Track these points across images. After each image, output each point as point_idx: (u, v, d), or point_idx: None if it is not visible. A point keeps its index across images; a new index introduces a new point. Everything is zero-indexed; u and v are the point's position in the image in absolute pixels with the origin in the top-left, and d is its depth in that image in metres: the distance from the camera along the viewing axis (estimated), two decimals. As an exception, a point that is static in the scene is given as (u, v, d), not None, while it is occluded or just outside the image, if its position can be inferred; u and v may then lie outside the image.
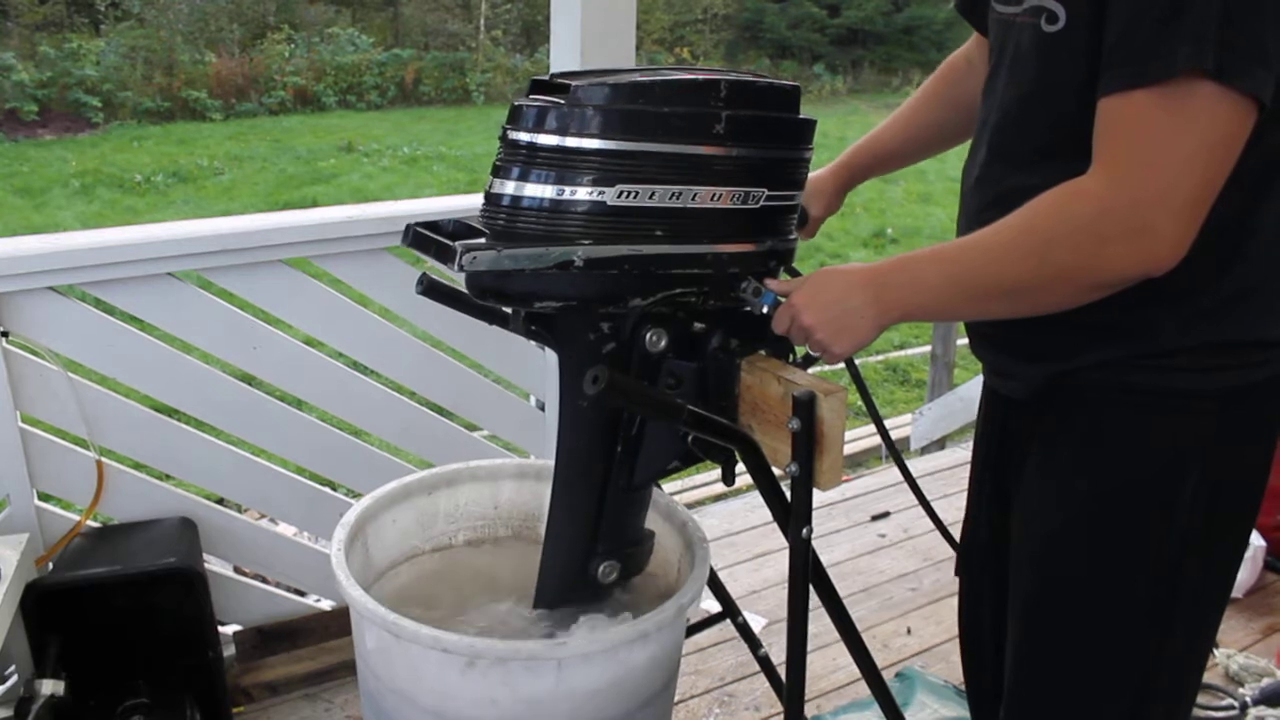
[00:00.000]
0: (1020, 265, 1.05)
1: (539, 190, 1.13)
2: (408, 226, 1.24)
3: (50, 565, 1.90)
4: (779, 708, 1.75)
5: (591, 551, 1.38)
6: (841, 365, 1.34)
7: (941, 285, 1.10)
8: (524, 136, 1.14)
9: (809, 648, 1.31)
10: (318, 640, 2.24)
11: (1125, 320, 1.10)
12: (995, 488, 1.35)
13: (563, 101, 1.12)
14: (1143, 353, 1.11)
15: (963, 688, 2.20)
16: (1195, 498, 1.12)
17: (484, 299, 1.16)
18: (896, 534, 2.94)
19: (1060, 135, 1.08)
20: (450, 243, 1.12)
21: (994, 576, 1.35)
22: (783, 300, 1.21)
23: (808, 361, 1.32)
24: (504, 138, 1.16)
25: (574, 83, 1.12)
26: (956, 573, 1.51)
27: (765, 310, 1.24)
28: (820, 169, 1.59)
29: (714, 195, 1.17)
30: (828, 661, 2.28)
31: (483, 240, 1.13)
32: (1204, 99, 0.94)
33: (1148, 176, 0.97)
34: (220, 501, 2.24)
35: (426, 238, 1.20)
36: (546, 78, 1.18)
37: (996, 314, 1.15)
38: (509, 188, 1.15)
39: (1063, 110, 1.07)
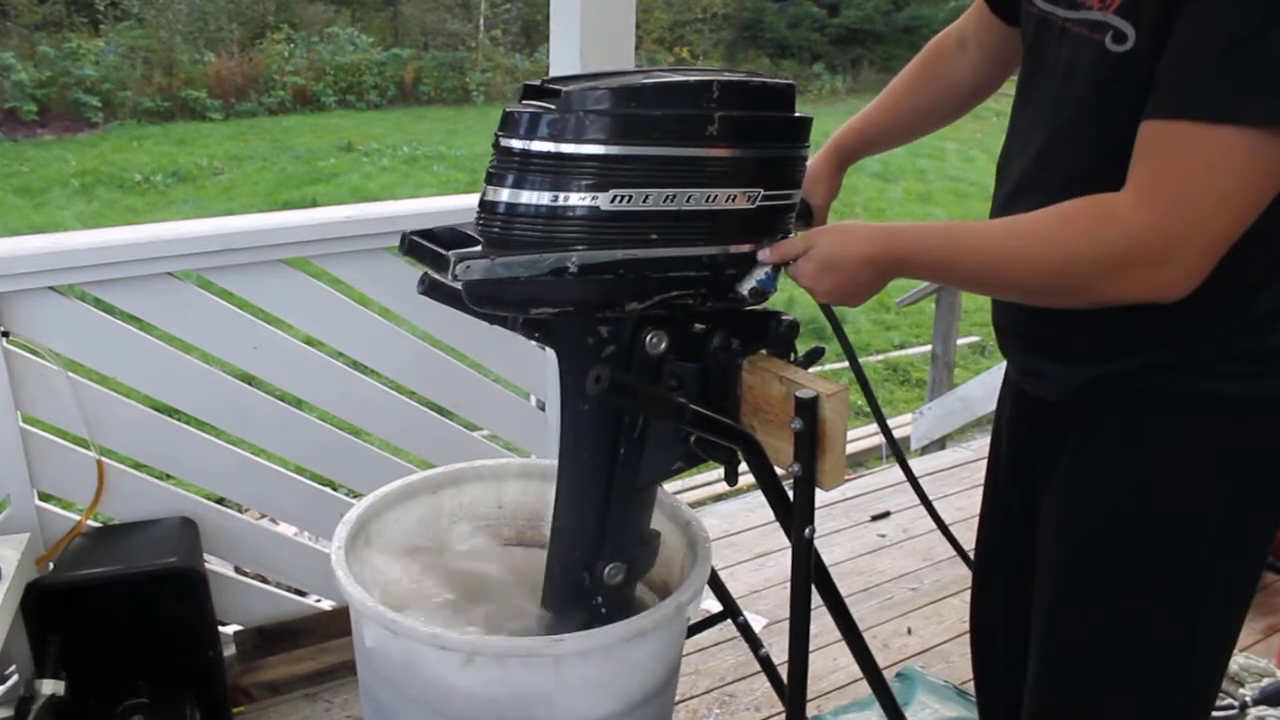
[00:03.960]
0: (1038, 273, 1.06)
1: (532, 197, 1.12)
2: (404, 236, 1.23)
3: (51, 565, 1.90)
4: (779, 708, 1.75)
5: (597, 553, 1.38)
6: (844, 364, 1.34)
7: (955, 277, 1.16)
8: (516, 143, 1.13)
9: (809, 648, 1.31)
10: (318, 640, 2.24)
11: (1169, 328, 1.09)
12: (1019, 488, 1.33)
13: (554, 107, 1.11)
14: (1184, 359, 1.10)
15: (963, 688, 2.21)
16: (1230, 502, 1.12)
17: (481, 307, 1.16)
18: (897, 534, 2.94)
19: (1117, 156, 1.05)
20: (445, 252, 1.12)
21: (1010, 574, 1.35)
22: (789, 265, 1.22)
23: (809, 361, 1.32)
24: (496, 144, 1.16)
25: (565, 87, 1.11)
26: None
27: (772, 289, 1.24)
28: (810, 157, 1.58)
29: (709, 197, 1.17)
30: (828, 661, 2.28)
31: (477, 249, 1.13)
32: (1252, 142, 0.93)
33: (1182, 209, 0.97)
34: (220, 501, 2.24)
35: (422, 246, 1.19)
36: (538, 83, 1.18)
37: (999, 298, 1.23)
38: (503, 195, 1.14)
39: (1125, 126, 1.04)
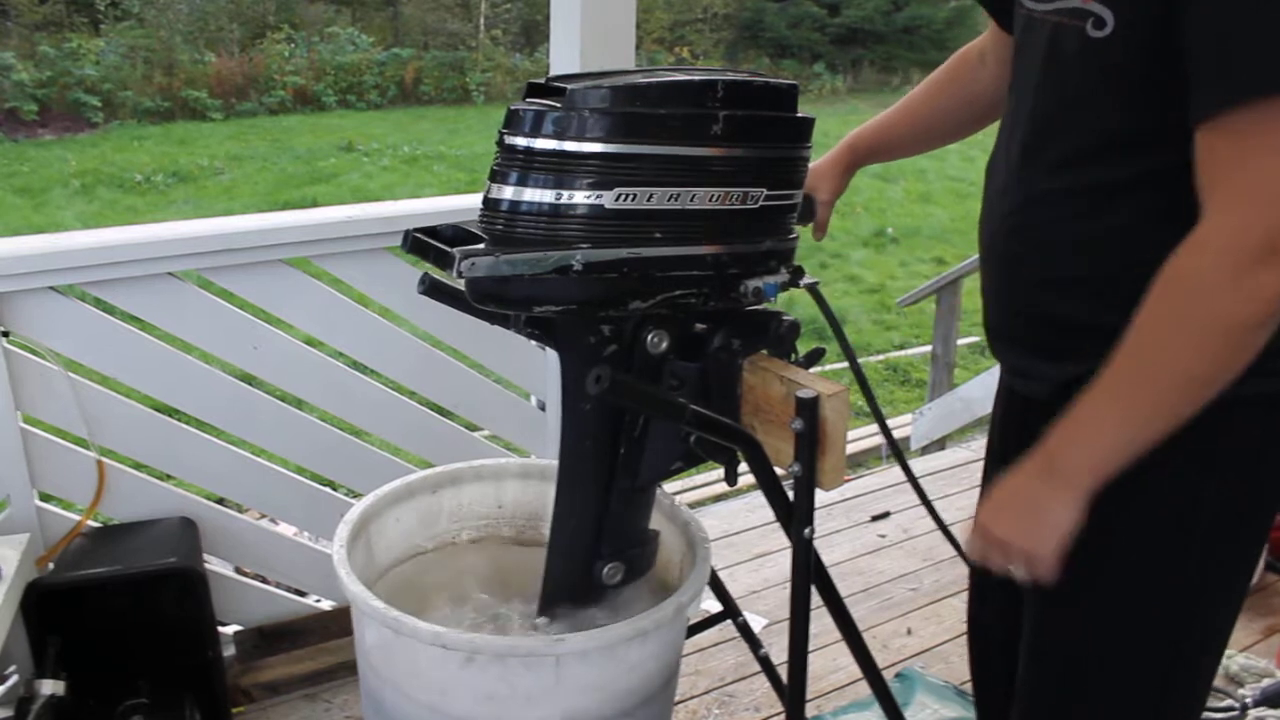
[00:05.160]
0: (1180, 345, 0.98)
1: (537, 195, 1.13)
2: (406, 233, 1.23)
3: (51, 565, 1.90)
4: (779, 708, 1.75)
5: (596, 553, 1.38)
6: (844, 364, 1.34)
7: (1118, 423, 1.03)
8: (521, 141, 1.13)
9: (809, 648, 1.31)
10: (318, 640, 2.24)
11: None
12: None
13: (559, 105, 1.12)
14: None
15: (963, 688, 2.21)
16: (1223, 500, 1.11)
17: (484, 304, 1.16)
18: (896, 534, 2.94)
19: (1101, 142, 1.05)
20: (448, 249, 1.13)
21: (1003, 576, 1.35)
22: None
23: (810, 361, 1.33)
24: (501, 142, 1.16)
25: (570, 86, 1.12)
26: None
27: (772, 300, 1.24)
28: (821, 155, 1.58)
29: (713, 196, 1.17)
30: (828, 661, 2.28)
31: (481, 246, 1.13)
32: None
33: (1265, 194, 0.93)
34: (220, 501, 2.24)
35: (425, 244, 1.20)
36: (543, 81, 1.18)
37: (1189, 410, 1.02)
38: (507, 193, 1.14)
39: (1106, 117, 1.04)
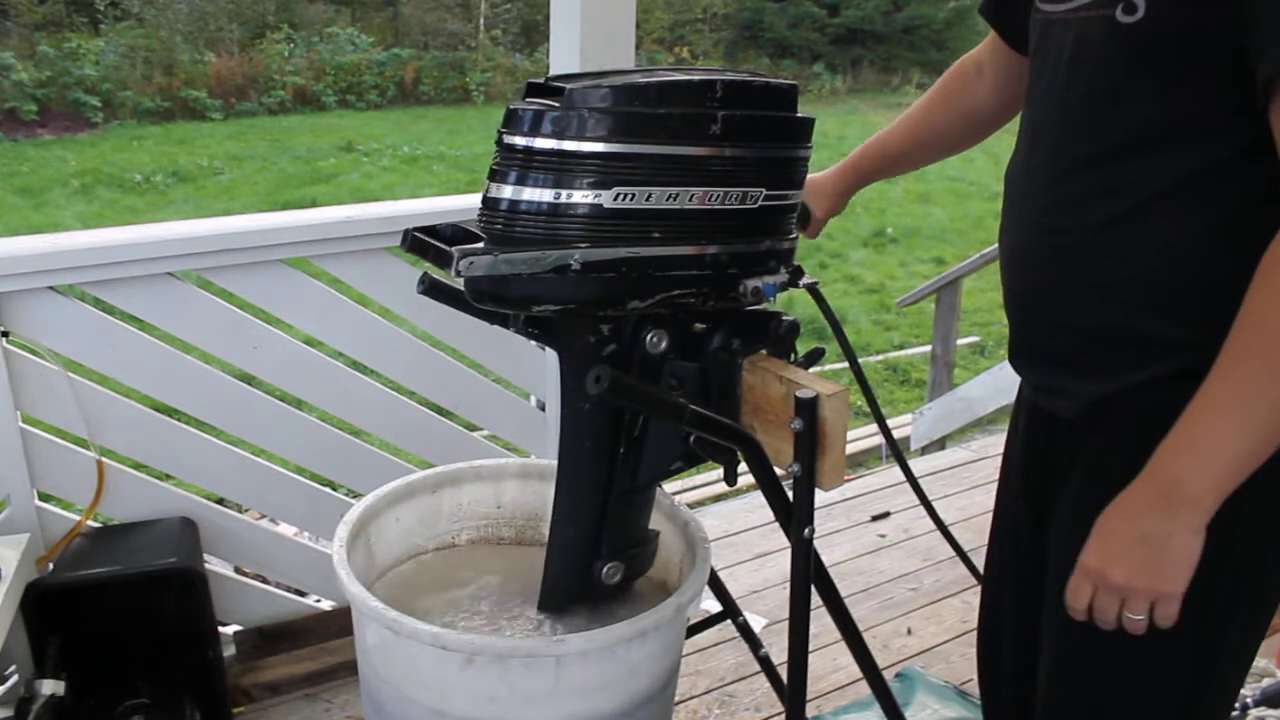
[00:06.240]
0: None
1: (535, 194, 1.13)
2: (406, 232, 1.23)
3: (51, 565, 1.90)
4: (779, 708, 1.75)
5: (595, 553, 1.38)
6: (844, 364, 1.33)
7: (1238, 433, 0.95)
8: (520, 140, 1.13)
9: (809, 648, 1.31)
10: (318, 640, 2.24)
11: (1190, 332, 1.04)
12: (1030, 504, 1.30)
13: (558, 105, 1.12)
14: (1204, 369, 1.00)
15: (963, 688, 2.21)
16: (1256, 525, 1.06)
17: (483, 303, 1.16)
18: (896, 534, 2.94)
19: (1135, 137, 1.02)
20: (447, 248, 1.12)
21: (1016, 589, 1.33)
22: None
23: (810, 361, 1.33)
24: (500, 142, 1.16)
25: (569, 85, 1.12)
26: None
27: (772, 300, 1.24)
28: (825, 169, 1.58)
29: (711, 196, 1.17)
30: (828, 661, 2.28)
31: (480, 245, 1.13)
32: None
33: None
34: (220, 501, 2.24)
35: (424, 243, 1.20)
36: (542, 81, 1.18)
37: None
38: (506, 192, 1.14)
39: (1142, 106, 1.01)
